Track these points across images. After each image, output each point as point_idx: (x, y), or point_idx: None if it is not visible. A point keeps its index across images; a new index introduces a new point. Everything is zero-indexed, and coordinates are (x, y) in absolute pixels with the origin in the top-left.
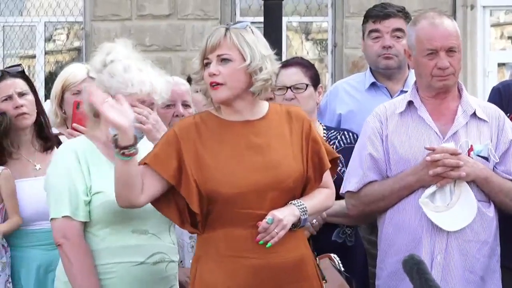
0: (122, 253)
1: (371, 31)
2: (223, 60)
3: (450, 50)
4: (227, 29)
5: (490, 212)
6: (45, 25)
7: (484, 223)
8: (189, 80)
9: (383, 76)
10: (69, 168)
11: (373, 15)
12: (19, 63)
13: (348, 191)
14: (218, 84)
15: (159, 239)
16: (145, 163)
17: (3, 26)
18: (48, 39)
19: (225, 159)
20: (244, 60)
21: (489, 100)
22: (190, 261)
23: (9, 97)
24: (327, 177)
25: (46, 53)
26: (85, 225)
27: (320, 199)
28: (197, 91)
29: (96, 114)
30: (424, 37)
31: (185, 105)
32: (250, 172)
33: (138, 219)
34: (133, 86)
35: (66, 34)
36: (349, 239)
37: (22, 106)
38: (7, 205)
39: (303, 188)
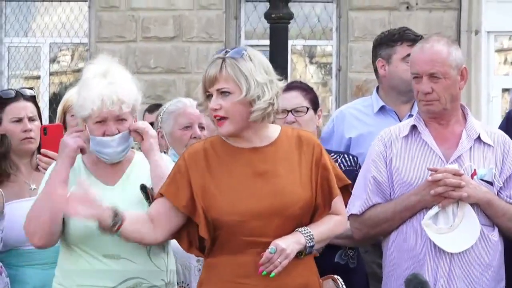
0: (92, 277)
1: (409, 55)
2: (223, 93)
3: (433, 76)
4: (223, 61)
5: (495, 236)
6: (50, 46)
7: (487, 247)
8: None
9: (394, 99)
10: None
11: (411, 38)
12: (30, 86)
13: (352, 214)
14: (222, 118)
15: (134, 264)
16: (160, 195)
17: (8, 46)
18: (53, 60)
19: (229, 187)
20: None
21: (500, 126)
22: None
23: (20, 120)
24: (339, 203)
25: (50, 74)
26: (60, 243)
27: (329, 226)
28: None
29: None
30: (412, 60)
31: (201, 127)
32: (254, 200)
33: (110, 243)
34: (85, 108)
35: (71, 55)
36: (352, 261)
37: (31, 130)
38: None
39: (312, 215)
